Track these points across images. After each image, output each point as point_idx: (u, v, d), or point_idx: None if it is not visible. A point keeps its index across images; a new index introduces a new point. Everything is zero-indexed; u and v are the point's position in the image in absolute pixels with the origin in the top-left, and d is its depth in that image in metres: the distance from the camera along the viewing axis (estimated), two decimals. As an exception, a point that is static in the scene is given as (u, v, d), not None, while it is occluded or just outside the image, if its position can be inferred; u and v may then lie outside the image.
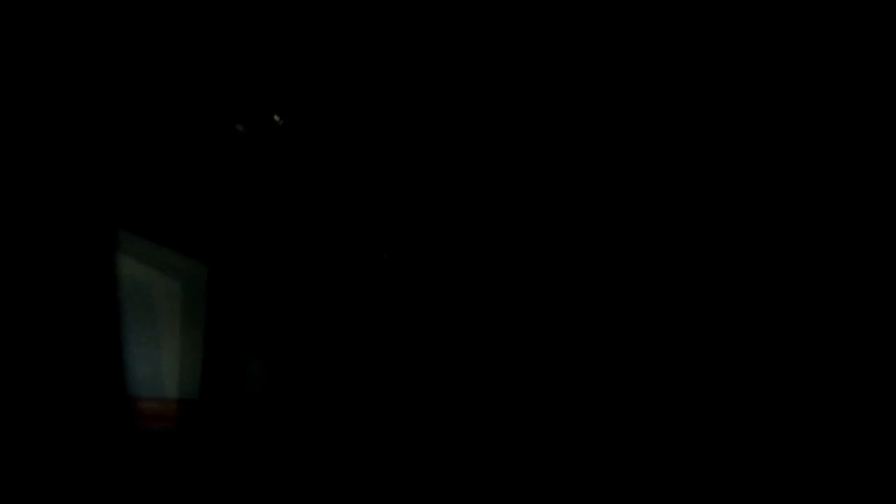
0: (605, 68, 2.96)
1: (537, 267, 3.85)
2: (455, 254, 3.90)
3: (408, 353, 3.95)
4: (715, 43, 2.76)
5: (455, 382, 3.91)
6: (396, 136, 3.42)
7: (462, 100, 3.10)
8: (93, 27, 2.57)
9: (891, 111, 2.80)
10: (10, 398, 2.24)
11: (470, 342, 3.93)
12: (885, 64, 2.56)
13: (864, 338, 3.08)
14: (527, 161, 3.51)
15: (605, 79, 3.03)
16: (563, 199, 3.65)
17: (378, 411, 3.88)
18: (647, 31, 2.74)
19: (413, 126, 3.34)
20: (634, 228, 3.63)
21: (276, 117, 3.25)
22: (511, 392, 3.83)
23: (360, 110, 3.26)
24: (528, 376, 3.83)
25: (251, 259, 3.64)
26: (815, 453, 3.08)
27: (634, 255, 3.65)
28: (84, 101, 2.57)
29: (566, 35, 2.81)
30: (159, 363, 3.37)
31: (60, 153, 2.45)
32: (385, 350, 3.93)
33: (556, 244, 3.81)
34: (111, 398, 2.81)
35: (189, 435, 3.42)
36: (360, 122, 3.33)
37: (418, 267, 3.93)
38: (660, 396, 3.49)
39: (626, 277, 3.69)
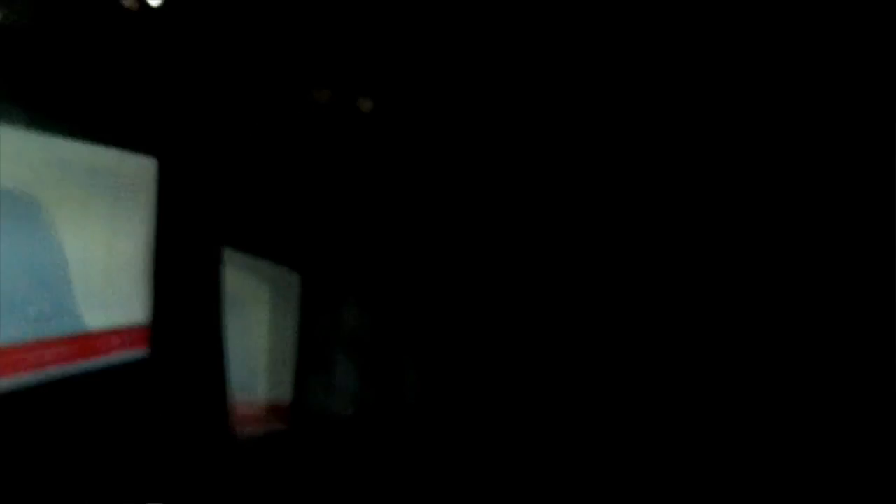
0: (606, 68, 3.08)
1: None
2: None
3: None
4: (714, 43, 2.79)
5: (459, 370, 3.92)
6: (491, 123, 3.50)
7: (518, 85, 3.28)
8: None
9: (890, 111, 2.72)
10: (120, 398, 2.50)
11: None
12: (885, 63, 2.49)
13: (861, 338, 3.02)
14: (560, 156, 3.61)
15: (606, 78, 3.15)
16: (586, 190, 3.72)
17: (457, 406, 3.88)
18: (646, 30, 2.83)
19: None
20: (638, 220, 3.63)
21: (363, 101, 3.35)
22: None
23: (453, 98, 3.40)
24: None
25: (343, 266, 3.81)
26: (814, 453, 3.04)
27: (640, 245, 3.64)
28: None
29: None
30: (255, 366, 3.56)
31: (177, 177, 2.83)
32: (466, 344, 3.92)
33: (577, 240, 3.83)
34: (213, 399, 3.05)
35: (284, 437, 3.62)
36: (452, 109, 3.47)
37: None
38: (660, 395, 3.48)
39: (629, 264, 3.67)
